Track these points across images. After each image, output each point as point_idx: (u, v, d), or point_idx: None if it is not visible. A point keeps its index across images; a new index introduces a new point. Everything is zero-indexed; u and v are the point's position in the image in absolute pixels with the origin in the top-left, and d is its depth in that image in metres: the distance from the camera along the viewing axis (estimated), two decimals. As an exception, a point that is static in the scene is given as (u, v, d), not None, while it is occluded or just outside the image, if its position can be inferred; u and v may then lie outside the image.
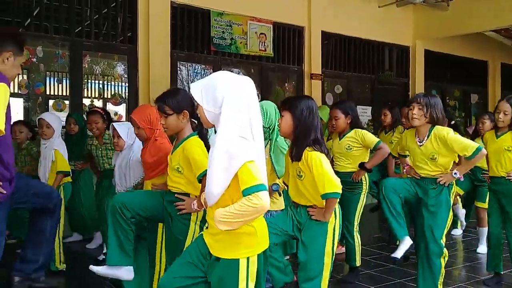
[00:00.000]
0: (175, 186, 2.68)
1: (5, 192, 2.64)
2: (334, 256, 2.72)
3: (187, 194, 2.65)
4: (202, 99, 1.90)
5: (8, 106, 2.55)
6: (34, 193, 3.11)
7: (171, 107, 2.59)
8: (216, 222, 1.82)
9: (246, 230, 1.90)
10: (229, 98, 1.86)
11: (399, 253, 3.27)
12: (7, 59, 2.58)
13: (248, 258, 1.92)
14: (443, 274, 3.33)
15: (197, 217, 2.65)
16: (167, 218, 2.74)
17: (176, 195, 2.67)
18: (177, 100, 2.60)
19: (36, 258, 3.18)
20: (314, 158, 2.53)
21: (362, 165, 3.89)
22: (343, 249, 4.25)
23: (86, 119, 4.76)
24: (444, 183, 3.25)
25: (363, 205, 3.96)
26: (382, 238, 5.55)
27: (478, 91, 11.04)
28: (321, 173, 2.52)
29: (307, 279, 2.65)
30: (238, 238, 1.91)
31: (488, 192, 4.29)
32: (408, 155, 3.58)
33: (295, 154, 2.59)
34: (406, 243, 3.26)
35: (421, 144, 3.33)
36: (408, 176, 3.46)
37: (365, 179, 3.97)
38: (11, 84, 2.66)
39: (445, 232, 3.30)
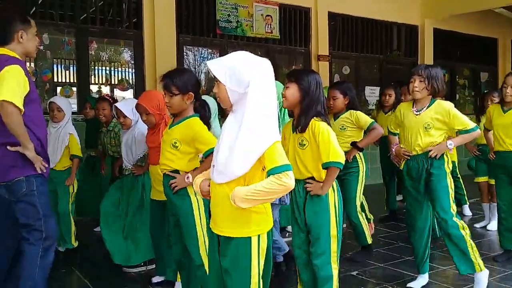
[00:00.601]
0: (166, 163, 2.69)
1: (46, 165, 2.69)
2: (341, 232, 2.72)
3: (177, 171, 2.66)
4: (227, 78, 1.90)
5: (31, 84, 2.65)
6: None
7: (177, 87, 2.59)
8: (237, 199, 1.84)
9: (256, 209, 1.94)
10: (256, 80, 1.89)
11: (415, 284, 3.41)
12: (21, 37, 2.68)
13: (259, 236, 1.96)
14: (474, 246, 3.22)
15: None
16: (170, 205, 2.77)
17: (167, 173, 2.69)
18: (184, 80, 2.60)
19: None
20: (321, 127, 2.55)
21: (354, 144, 3.88)
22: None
23: (96, 107, 4.82)
24: (436, 155, 3.20)
25: (362, 185, 3.94)
26: (390, 217, 5.56)
27: (488, 70, 10.89)
28: (327, 141, 2.54)
29: (316, 255, 2.66)
30: (249, 216, 1.93)
31: (493, 167, 4.29)
32: (397, 134, 3.54)
33: (302, 124, 2.59)
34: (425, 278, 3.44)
35: (418, 113, 3.27)
36: (396, 158, 3.45)
37: (360, 158, 3.95)
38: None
39: (452, 202, 3.24)
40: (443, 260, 4.04)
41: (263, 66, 1.94)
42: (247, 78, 1.88)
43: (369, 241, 4.05)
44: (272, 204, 3.19)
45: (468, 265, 3.21)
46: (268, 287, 2.07)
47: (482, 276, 3.23)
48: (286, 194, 3.19)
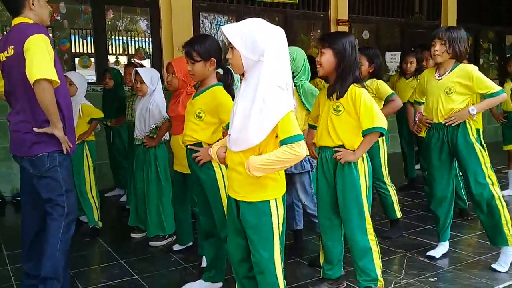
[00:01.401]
0: (190, 134, 2.67)
1: (71, 146, 2.69)
2: (370, 205, 2.67)
3: (200, 144, 2.65)
4: (241, 45, 1.90)
5: (55, 54, 2.59)
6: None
7: (199, 54, 2.55)
8: (251, 168, 1.89)
9: (272, 176, 2.00)
10: (272, 48, 1.89)
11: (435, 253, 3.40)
12: (33, 4, 2.61)
13: (276, 200, 2.03)
14: (509, 219, 3.10)
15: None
16: (195, 177, 2.77)
17: (189, 146, 2.68)
18: (205, 47, 2.56)
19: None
20: (362, 93, 2.48)
21: None
22: None
23: (124, 72, 4.91)
24: (457, 121, 3.10)
25: (385, 154, 3.87)
26: (409, 186, 5.52)
27: (514, 32, 10.51)
28: (369, 108, 2.47)
29: (350, 227, 2.64)
30: (264, 182, 1.99)
31: None
32: (423, 103, 3.45)
33: (340, 91, 2.52)
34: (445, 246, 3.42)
35: (440, 78, 3.17)
36: (416, 127, 3.36)
37: None
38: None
39: (486, 170, 3.12)
40: (464, 228, 4.02)
41: (278, 35, 1.95)
42: (263, 46, 1.89)
43: (399, 214, 3.89)
44: (302, 171, 3.21)
45: (501, 237, 3.12)
46: (283, 253, 2.11)
47: (511, 250, 3.15)
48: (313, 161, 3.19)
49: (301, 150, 1.86)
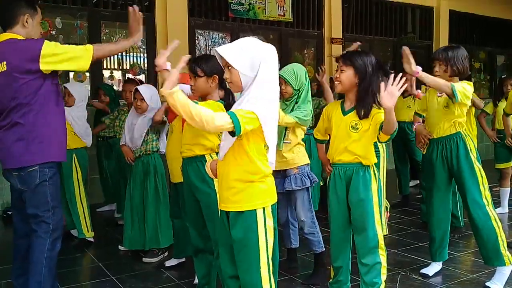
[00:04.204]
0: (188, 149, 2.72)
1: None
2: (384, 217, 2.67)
3: (201, 156, 2.69)
4: (239, 63, 1.94)
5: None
6: None
7: (202, 69, 2.63)
8: (168, 95, 1.82)
9: (259, 184, 2.01)
10: (266, 64, 1.95)
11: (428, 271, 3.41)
12: (26, 21, 2.60)
13: (263, 209, 2.02)
14: (505, 239, 3.10)
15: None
16: (192, 188, 2.77)
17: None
18: (209, 64, 2.64)
19: None
20: (381, 114, 2.52)
21: None
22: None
23: (123, 88, 4.86)
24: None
25: (385, 169, 3.90)
26: (403, 203, 5.53)
27: (505, 53, 10.67)
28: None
29: (362, 243, 2.66)
30: (251, 190, 2.00)
31: None
32: (423, 116, 3.50)
33: (365, 112, 2.56)
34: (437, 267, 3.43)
35: (440, 94, 3.23)
36: (420, 144, 3.39)
37: (381, 145, 3.89)
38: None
39: (484, 190, 3.12)
40: (458, 246, 4.02)
41: (271, 51, 2.01)
42: (258, 61, 1.94)
43: (385, 231, 3.84)
44: (302, 187, 3.18)
45: (498, 257, 3.10)
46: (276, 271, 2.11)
47: (506, 269, 3.14)
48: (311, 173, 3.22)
49: (211, 126, 1.83)
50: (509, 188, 5.15)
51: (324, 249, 3.31)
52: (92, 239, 4.23)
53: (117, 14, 6.21)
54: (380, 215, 2.67)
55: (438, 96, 3.25)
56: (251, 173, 2.00)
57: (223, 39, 7.15)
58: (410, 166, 5.68)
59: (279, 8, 7.20)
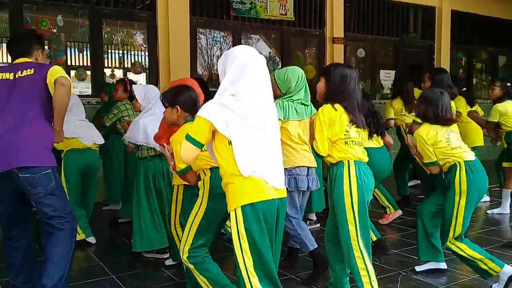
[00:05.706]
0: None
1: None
2: (365, 219, 2.67)
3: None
4: (219, 70, 2.17)
5: None
6: None
7: (166, 100, 2.79)
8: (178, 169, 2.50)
9: (231, 185, 2.05)
10: (223, 69, 2.13)
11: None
12: (38, 56, 2.95)
13: (235, 211, 2.03)
14: (484, 257, 3.12)
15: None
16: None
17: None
18: (172, 95, 2.77)
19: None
20: None
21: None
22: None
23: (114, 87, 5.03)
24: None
25: None
26: (402, 203, 5.51)
27: (506, 53, 10.64)
28: None
29: (341, 240, 2.72)
30: (229, 189, 2.06)
31: None
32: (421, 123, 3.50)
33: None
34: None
35: None
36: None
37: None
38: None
39: (451, 229, 3.18)
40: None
41: (238, 58, 2.10)
42: (223, 68, 2.13)
43: (373, 237, 3.69)
44: (294, 191, 3.16)
45: (485, 273, 3.15)
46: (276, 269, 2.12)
47: (503, 274, 3.11)
48: (304, 179, 3.18)
49: (186, 160, 2.15)
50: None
51: (315, 246, 3.28)
52: (92, 240, 4.21)
53: (119, 12, 6.20)
54: (357, 215, 2.62)
55: None
56: (225, 175, 2.06)
57: (225, 38, 7.15)
58: (410, 167, 5.68)
59: (281, 7, 7.18)
